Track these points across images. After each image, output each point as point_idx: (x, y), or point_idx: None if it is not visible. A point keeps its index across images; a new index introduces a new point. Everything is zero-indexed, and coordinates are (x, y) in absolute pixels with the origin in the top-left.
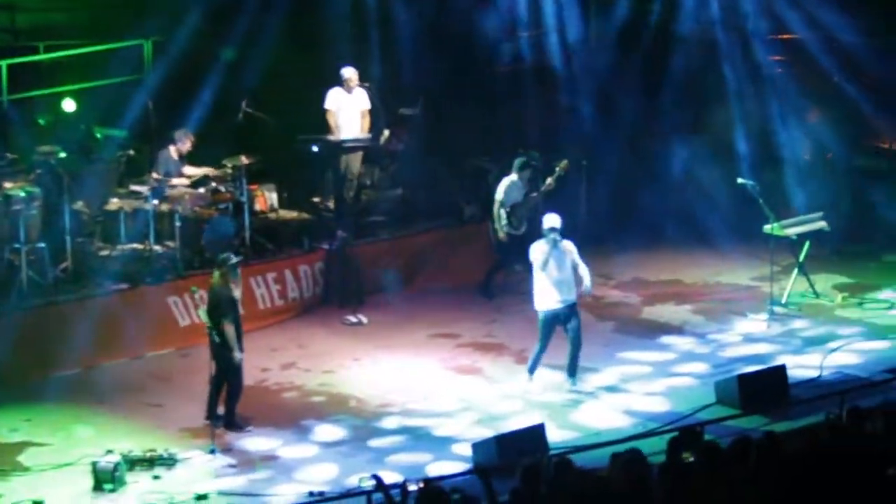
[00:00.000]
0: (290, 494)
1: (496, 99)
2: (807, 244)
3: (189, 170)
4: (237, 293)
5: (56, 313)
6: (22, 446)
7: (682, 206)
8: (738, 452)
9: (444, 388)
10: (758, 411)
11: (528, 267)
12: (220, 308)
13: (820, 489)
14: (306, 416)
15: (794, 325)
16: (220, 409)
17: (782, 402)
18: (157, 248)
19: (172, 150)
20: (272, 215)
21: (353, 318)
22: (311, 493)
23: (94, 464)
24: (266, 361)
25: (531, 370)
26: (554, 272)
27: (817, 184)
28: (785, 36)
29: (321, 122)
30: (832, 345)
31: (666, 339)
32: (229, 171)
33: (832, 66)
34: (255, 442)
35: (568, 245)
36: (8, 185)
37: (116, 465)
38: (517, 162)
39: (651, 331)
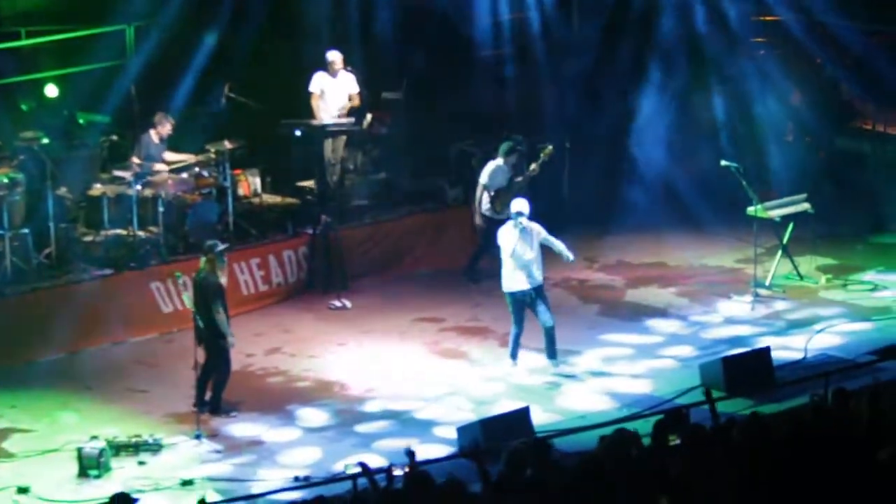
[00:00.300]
0: (275, 479)
1: (479, 82)
2: (790, 226)
3: (170, 155)
4: (224, 280)
5: (40, 299)
6: (6, 433)
7: (666, 188)
8: (723, 435)
9: (428, 373)
10: (742, 394)
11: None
12: (209, 295)
13: (805, 471)
14: (291, 401)
15: (778, 307)
16: (207, 395)
17: (767, 385)
18: (141, 233)
19: (153, 134)
20: (255, 200)
21: (337, 303)
22: (296, 478)
23: (79, 450)
24: (251, 347)
25: (513, 355)
26: (521, 255)
27: (799, 166)
28: (768, 17)
29: (305, 107)
30: (816, 327)
31: (650, 322)
32: (213, 156)
33: (815, 48)
34: (240, 427)
35: (535, 227)
36: None
37: (101, 451)
38: (503, 146)
39: (635, 313)
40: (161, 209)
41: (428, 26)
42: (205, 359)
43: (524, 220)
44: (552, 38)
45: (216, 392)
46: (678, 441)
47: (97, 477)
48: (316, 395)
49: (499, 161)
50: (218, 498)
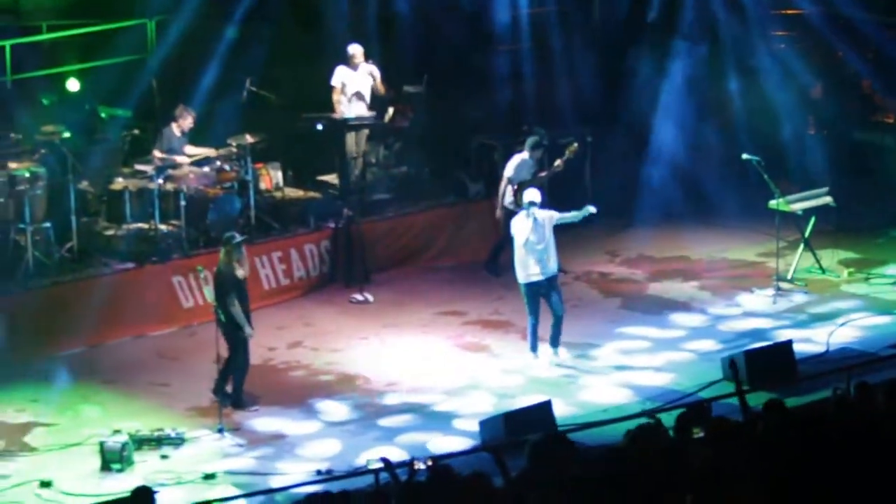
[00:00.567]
0: (297, 473)
1: (500, 76)
2: (812, 219)
3: (191, 149)
4: (241, 272)
5: (61, 293)
6: (29, 426)
7: (688, 182)
8: (749, 426)
9: (450, 366)
10: (765, 387)
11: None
12: (224, 287)
13: (828, 465)
14: (313, 395)
15: (800, 300)
16: (228, 388)
17: (789, 378)
18: (163, 227)
19: (174, 127)
20: (277, 194)
21: (359, 297)
22: (318, 472)
23: (101, 444)
24: (273, 340)
25: (533, 348)
26: (534, 245)
27: (821, 159)
28: (789, 11)
29: (326, 100)
30: (839, 320)
31: (672, 316)
32: (234, 149)
33: (836, 41)
34: (262, 421)
35: (546, 214)
36: (13, 165)
37: (124, 445)
38: (530, 140)
39: (657, 307)
40: (183, 203)
41: (448, 19)
42: (228, 352)
43: (536, 210)
44: (573, 29)
45: (236, 385)
46: (702, 434)
47: (120, 471)
48: (338, 388)
49: (524, 155)
50: (239, 492)
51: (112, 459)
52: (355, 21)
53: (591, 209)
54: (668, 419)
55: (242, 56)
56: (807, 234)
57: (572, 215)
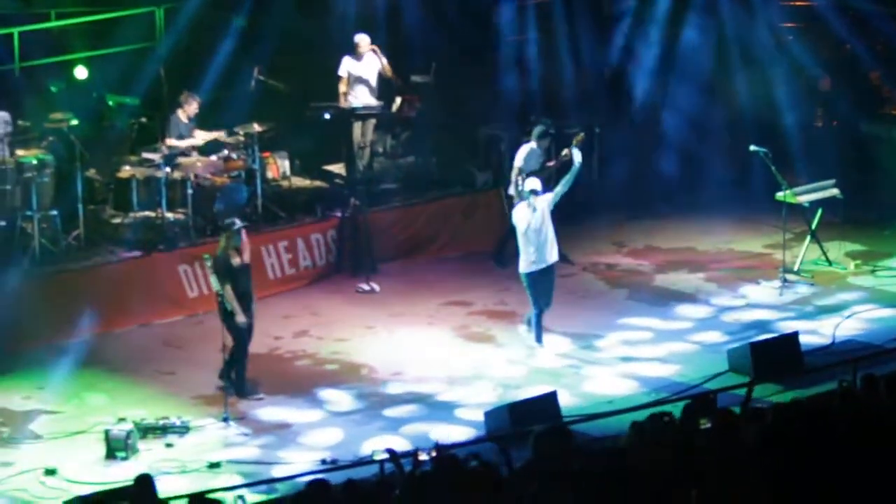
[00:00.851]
0: (302, 462)
1: (506, 66)
2: (819, 212)
3: (200, 134)
4: (237, 260)
5: (67, 281)
6: (34, 414)
7: (694, 173)
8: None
9: (456, 356)
10: (770, 379)
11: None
12: (219, 273)
13: (834, 457)
14: (319, 384)
15: (806, 292)
16: (233, 375)
17: (795, 370)
18: (170, 215)
19: (181, 114)
20: (284, 183)
21: (365, 287)
22: (323, 461)
23: (106, 432)
24: (279, 329)
25: (538, 338)
26: (534, 234)
27: (828, 151)
28: (798, 2)
29: (334, 90)
30: (845, 312)
31: (678, 307)
32: (241, 138)
33: (845, 33)
34: (267, 410)
35: (543, 202)
36: (20, 152)
37: (129, 433)
38: (537, 130)
39: (663, 298)
40: (190, 192)
41: (456, 10)
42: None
43: (536, 199)
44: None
45: (238, 373)
46: (708, 425)
47: (124, 459)
48: (343, 378)
49: (532, 144)
50: (244, 480)
51: (117, 447)
52: (363, 10)
53: (577, 157)
54: (673, 410)
55: (250, 45)
56: (813, 226)
57: (565, 180)
